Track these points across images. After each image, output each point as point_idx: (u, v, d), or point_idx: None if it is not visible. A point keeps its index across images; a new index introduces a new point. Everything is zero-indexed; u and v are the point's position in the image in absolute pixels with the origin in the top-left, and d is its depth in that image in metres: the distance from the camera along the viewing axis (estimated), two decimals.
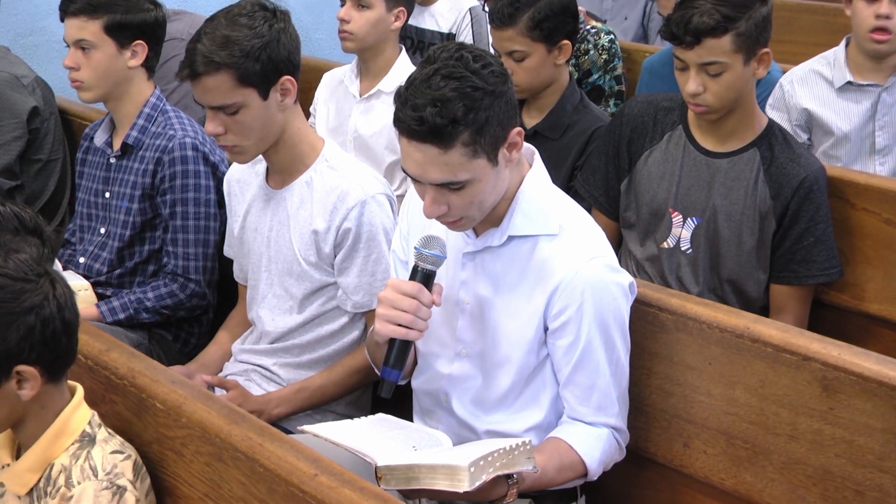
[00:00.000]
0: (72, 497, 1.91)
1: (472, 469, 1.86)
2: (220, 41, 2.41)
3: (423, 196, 2.07)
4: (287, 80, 2.49)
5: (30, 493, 1.97)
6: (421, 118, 1.96)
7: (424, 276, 2.10)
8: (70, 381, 2.03)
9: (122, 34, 2.95)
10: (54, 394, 1.95)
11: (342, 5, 3.50)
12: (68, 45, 2.99)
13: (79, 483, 1.91)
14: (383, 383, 2.12)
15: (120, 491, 1.93)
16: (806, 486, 2.16)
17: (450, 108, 1.96)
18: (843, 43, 3.39)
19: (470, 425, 2.25)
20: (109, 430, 2.02)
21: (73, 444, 1.96)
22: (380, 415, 2.23)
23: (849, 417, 2.09)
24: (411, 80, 2.01)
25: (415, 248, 2.11)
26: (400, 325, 2.07)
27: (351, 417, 2.36)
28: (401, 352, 2.10)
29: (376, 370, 2.24)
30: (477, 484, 1.87)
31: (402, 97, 2.01)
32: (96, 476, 1.92)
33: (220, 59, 2.39)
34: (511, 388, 2.21)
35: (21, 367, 1.86)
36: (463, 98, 1.97)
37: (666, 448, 2.36)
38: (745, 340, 2.21)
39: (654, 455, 2.38)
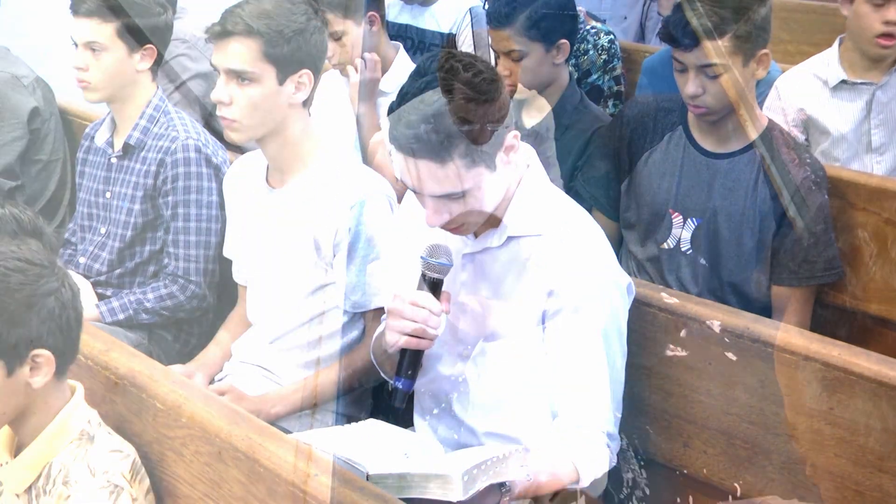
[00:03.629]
0: (69, 496, 1.90)
1: (465, 478, 1.84)
2: (259, 11, 2.48)
3: (423, 205, 2.07)
4: (306, 73, 2.52)
5: (28, 490, 1.97)
6: (416, 136, 1.96)
7: (432, 285, 2.10)
8: (70, 381, 2.03)
9: (134, 38, 2.94)
10: (56, 390, 1.95)
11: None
12: (75, 44, 2.97)
13: (76, 482, 1.91)
14: (396, 393, 2.13)
15: (117, 490, 1.93)
16: (806, 486, 2.16)
17: (444, 123, 1.96)
18: (836, 43, 3.39)
19: (470, 426, 2.25)
20: (109, 430, 2.02)
21: (72, 442, 1.95)
22: (371, 420, 2.24)
23: (849, 417, 2.09)
24: (403, 95, 2.01)
25: (421, 257, 2.11)
26: (411, 335, 2.08)
27: (350, 417, 2.36)
28: (413, 361, 2.12)
29: (385, 377, 2.25)
30: (470, 493, 1.85)
31: (396, 114, 2.00)
32: (94, 475, 1.92)
33: (256, 25, 2.46)
34: (511, 390, 2.20)
35: (38, 351, 1.86)
36: (456, 111, 1.96)
37: (666, 448, 2.35)
38: (745, 340, 2.21)
39: (654, 455, 2.38)
